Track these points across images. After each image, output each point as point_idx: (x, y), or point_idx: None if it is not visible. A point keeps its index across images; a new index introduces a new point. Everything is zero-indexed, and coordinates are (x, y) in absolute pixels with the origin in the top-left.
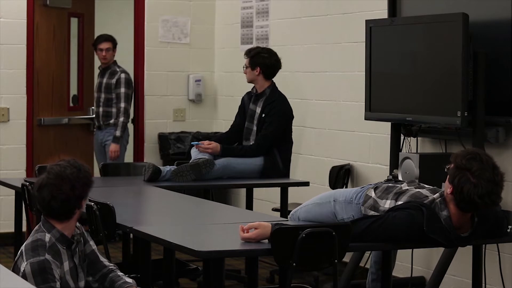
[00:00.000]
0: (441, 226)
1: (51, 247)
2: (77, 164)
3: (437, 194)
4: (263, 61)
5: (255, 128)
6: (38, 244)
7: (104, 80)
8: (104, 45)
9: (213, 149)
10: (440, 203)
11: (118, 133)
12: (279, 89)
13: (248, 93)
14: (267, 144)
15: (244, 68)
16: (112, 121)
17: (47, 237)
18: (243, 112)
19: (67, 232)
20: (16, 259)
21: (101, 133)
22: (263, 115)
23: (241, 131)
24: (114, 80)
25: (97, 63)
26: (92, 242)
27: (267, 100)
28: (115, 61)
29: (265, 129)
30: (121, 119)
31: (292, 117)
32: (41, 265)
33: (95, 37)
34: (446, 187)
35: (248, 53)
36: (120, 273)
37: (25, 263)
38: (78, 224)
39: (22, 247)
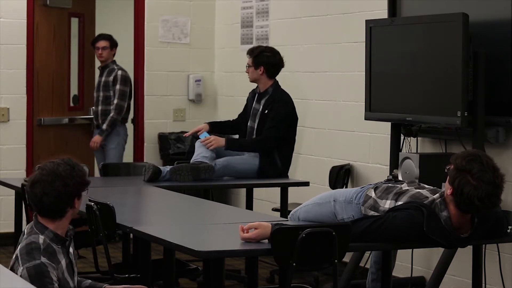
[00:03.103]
0: (441, 227)
1: (45, 249)
2: (71, 162)
3: (437, 194)
4: (267, 60)
5: (256, 126)
6: (33, 247)
7: (103, 79)
8: (101, 44)
9: (216, 143)
10: (440, 203)
11: (104, 126)
12: None
13: (253, 91)
14: (272, 136)
15: (247, 67)
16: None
17: (41, 239)
18: (245, 110)
19: (60, 231)
20: (12, 264)
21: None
22: (266, 111)
23: (240, 127)
24: (111, 78)
25: (98, 63)
26: (72, 243)
27: (269, 98)
28: (114, 60)
29: (270, 122)
30: (112, 113)
31: (296, 117)
32: (37, 269)
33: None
34: (446, 188)
35: (251, 52)
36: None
37: (21, 268)
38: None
39: (17, 251)
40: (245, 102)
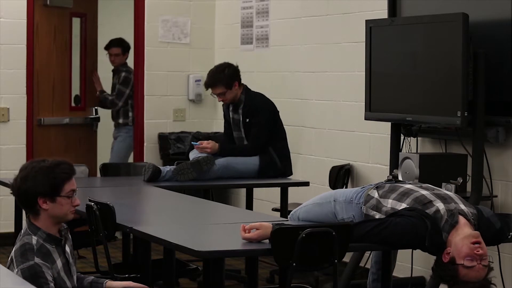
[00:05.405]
0: (442, 243)
1: (39, 249)
2: (48, 163)
3: (441, 205)
4: (233, 73)
5: (243, 135)
6: (26, 248)
7: (113, 81)
8: (113, 51)
9: (212, 148)
10: (446, 222)
11: (106, 95)
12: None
13: (226, 104)
14: (261, 142)
15: (218, 97)
16: (121, 120)
17: (34, 239)
18: (227, 121)
19: (52, 231)
20: (7, 266)
21: (114, 130)
22: (247, 119)
23: (232, 137)
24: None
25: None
26: (70, 243)
27: (245, 106)
28: (125, 63)
29: (255, 128)
30: (113, 98)
31: (277, 110)
32: (31, 270)
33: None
34: (445, 254)
35: (217, 80)
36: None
37: (16, 269)
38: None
39: (12, 253)
40: None
